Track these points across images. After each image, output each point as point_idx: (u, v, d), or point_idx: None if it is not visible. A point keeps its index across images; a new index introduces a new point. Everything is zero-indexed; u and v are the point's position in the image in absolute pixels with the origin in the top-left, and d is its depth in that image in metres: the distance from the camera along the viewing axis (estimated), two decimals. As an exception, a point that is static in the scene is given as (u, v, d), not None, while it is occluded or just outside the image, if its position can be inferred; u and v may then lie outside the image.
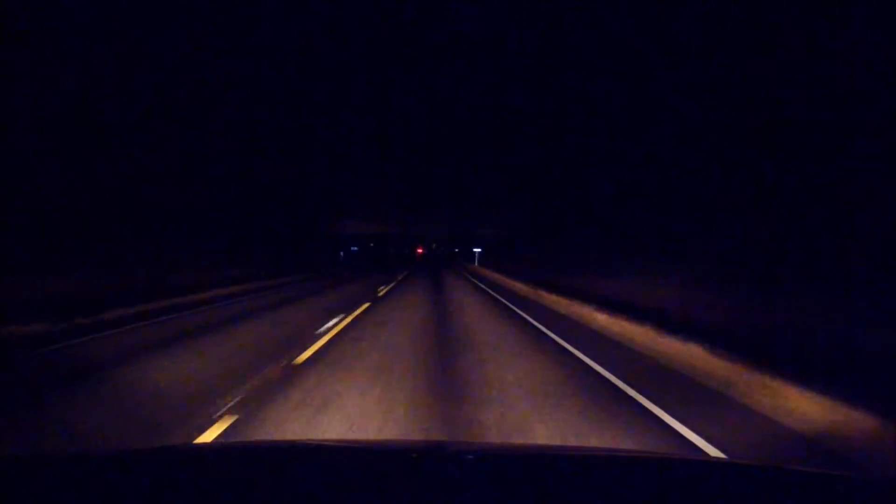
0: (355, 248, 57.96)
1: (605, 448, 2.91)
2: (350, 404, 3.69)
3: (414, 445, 2.23)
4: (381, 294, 13.28)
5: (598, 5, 10.02)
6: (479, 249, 69.23)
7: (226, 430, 3.18)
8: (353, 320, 8.04)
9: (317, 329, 7.07)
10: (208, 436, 3.11)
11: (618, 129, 11.62)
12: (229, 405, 3.65)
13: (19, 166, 8.57)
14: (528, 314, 9.37)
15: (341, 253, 32.75)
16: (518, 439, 3.14)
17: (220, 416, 3.42)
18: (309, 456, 1.43)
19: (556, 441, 3.09)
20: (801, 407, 3.54)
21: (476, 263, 35.88)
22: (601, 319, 7.75)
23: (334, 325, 7.38)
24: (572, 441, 3.11)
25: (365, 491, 1.06)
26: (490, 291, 15.47)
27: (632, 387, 4.29)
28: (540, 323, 8.20)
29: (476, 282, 19.97)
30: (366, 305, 10.16)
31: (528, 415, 3.55)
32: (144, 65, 10.72)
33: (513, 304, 11.39)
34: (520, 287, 15.32)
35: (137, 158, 11.40)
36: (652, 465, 1.39)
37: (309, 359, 5.19)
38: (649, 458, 1.61)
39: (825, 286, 5.24)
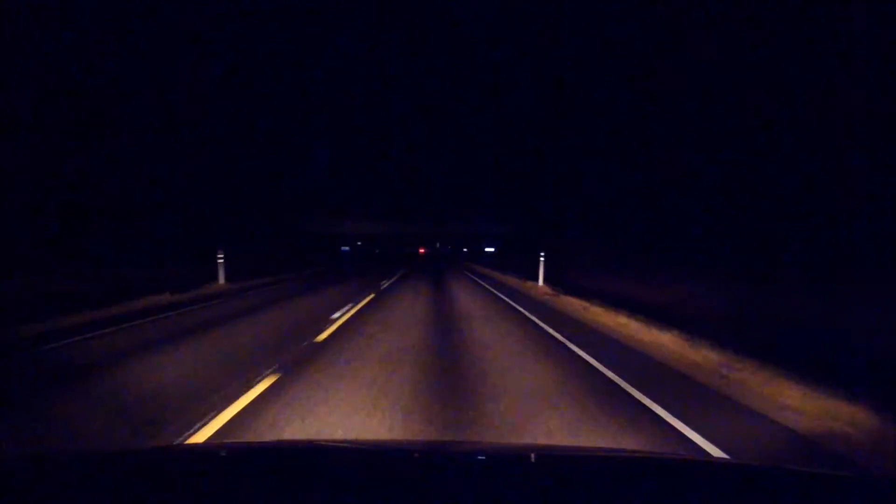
0: (346, 248, 51.34)
1: (605, 448, 2.86)
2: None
3: (416, 446, 2.22)
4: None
5: (600, 6, 10.58)
6: (493, 249, 53.50)
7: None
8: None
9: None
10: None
11: (621, 128, 12.15)
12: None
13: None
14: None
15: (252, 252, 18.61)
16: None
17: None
18: (310, 456, 1.38)
19: None
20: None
21: (542, 281, 14.64)
22: None
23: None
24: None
25: (367, 491, 1.02)
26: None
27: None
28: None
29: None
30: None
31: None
32: (142, 63, 10.53)
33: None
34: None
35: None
36: (652, 465, 1.36)
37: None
38: (649, 459, 1.60)
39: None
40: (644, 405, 3.99)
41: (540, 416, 3.66)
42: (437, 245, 68.52)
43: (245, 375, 4.68)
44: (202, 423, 3.48)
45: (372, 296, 11.85)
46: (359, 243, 53.42)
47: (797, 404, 3.93)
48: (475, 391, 4.31)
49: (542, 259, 14.89)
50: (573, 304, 10.40)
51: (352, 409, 3.77)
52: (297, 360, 5.36)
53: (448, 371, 5.00)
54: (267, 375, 4.69)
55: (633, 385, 4.53)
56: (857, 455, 3.09)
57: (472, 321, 8.38)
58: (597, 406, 3.94)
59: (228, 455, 1.42)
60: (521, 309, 10.15)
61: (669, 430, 3.47)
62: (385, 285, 15.36)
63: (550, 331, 7.58)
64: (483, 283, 17.22)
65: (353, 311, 9.11)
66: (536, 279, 14.88)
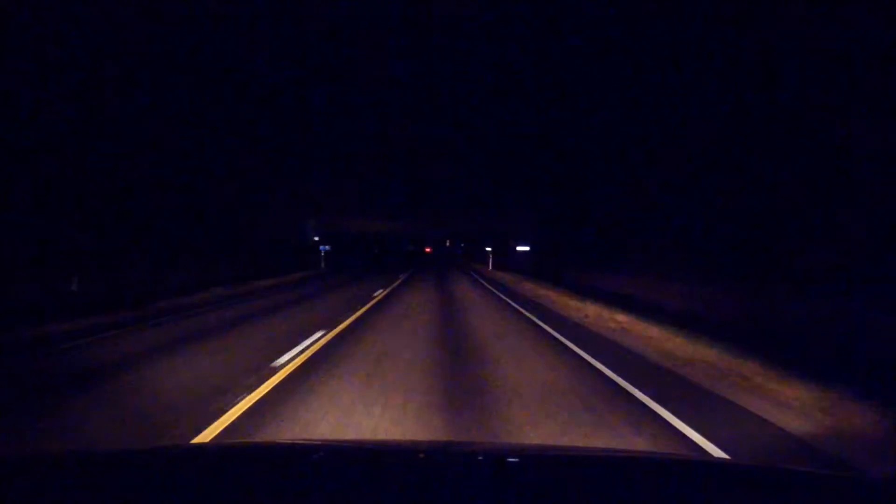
0: (326, 248, 47.99)
1: (606, 448, 2.96)
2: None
3: (419, 445, 2.23)
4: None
5: (601, 5, 8.94)
6: (527, 248, 45.03)
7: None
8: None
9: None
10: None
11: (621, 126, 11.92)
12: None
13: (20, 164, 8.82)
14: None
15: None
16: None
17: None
18: (313, 456, 1.42)
19: None
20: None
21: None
22: None
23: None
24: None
25: (370, 491, 1.04)
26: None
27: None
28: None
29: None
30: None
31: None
32: (140, 63, 10.66)
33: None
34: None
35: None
36: (652, 465, 1.40)
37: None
38: (650, 459, 1.66)
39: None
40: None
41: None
42: (448, 243, 67.31)
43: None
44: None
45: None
46: (315, 238, 44.34)
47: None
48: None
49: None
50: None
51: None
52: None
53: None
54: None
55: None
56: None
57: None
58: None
59: (230, 455, 1.44)
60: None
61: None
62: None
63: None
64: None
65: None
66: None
